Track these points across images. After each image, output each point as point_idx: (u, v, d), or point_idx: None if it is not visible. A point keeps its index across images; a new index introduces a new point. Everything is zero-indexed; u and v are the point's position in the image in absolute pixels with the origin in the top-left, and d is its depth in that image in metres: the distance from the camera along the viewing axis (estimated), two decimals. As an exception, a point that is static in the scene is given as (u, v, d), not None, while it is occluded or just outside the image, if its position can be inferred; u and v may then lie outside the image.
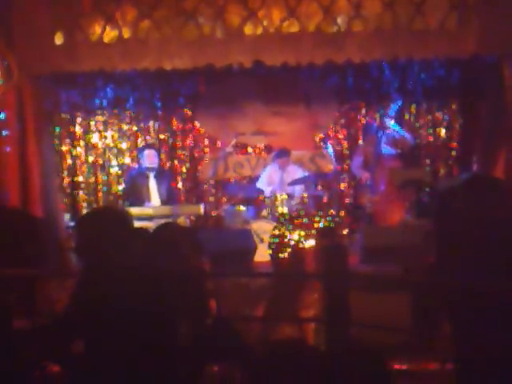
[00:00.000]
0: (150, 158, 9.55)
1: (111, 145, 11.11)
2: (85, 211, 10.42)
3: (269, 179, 10.30)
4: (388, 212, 9.15)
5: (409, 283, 4.02)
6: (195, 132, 11.24)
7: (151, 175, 9.53)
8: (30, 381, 3.68)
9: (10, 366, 3.55)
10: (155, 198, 9.48)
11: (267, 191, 9.93)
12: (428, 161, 10.95)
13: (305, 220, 9.00)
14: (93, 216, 3.87)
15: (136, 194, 9.48)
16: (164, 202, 9.43)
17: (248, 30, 8.36)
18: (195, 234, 4.73)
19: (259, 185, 10.29)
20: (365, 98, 11.05)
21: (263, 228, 9.40)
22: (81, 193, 11.06)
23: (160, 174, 9.65)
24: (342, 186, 11.06)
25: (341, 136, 11.17)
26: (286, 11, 8.30)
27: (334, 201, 10.62)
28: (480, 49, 8.17)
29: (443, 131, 10.96)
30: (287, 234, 8.88)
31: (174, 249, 4.14)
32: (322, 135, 11.15)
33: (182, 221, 9.10)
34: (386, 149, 9.50)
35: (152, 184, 9.52)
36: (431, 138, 10.96)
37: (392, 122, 9.56)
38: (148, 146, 10.33)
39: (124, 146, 11.12)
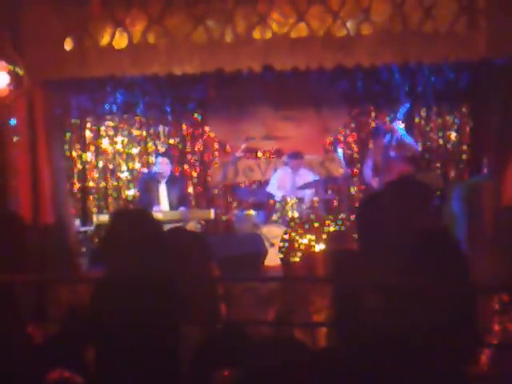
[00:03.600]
0: (162, 166, 9.60)
1: (121, 150, 11.16)
2: (95, 216, 10.43)
3: (280, 183, 10.31)
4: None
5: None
6: (205, 137, 11.27)
7: (162, 181, 9.58)
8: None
9: (24, 370, 3.56)
10: (164, 203, 9.51)
11: (278, 195, 9.94)
12: (438, 164, 10.94)
13: (315, 224, 8.99)
14: (127, 218, 3.81)
15: (146, 198, 9.52)
16: (173, 208, 9.46)
17: (257, 34, 8.36)
18: (204, 239, 4.73)
19: (269, 189, 10.30)
20: (375, 101, 11.06)
21: (273, 232, 9.40)
22: (91, 198, 11.10)
23: (171, 180, 9.69)
24: (352, 189, 11.05)
25: (351, 140, 11.18)
26: (295, 15, 8.30)
27: (344, 205, 10.61)
28: (490, 52, 8.14)
29: (453, 134, 10.95)
30: (297, 238, 8.87)
31: (183, 254, 4.14)
32: (331, 139, 11.15)
33: (193, 225, 9.12)
34: (396, 152, 9.49)
35: (162, 189, 9.56)
36: (441, 142, 10.95)
37: (400, 125, 9.53)
38: (162, 154, 10.36)
39: (134, 151, 11.17)
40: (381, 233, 3.58)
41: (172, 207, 9.50)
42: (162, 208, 9.43)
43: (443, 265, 3.38)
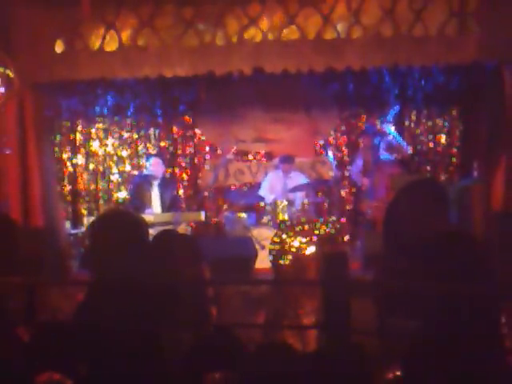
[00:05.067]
0: (155, 167, 9.59)
1: (112, 152, 11.13)
2: (86, 219, 10.42)
3: (271, 186, 10.30)
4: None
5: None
6: (196, 139, 11.26)
7: (155, 183, 9.56)
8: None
9: (13, 370, 3.56)
10: (156, 205, 9.50)
11: (269, 198, 9.93)
12: (428, 167, 10.96)
13: (306, 226, 8.99)
14: (109, 221, 3.81)
15: (138, 201, 9.51)
16: (165, 210, 9.45)
17: (248, 37, 8.37)
18: (194, 242, 4.73)
19: (261, 192, 10.29)
20: (365, 104, 11.06)
21: (264, 235, 9.40)
22: (81, 201, 11.07)
23: (163, 182, 9.67)
24: (343, 192, 11.06)
25: (341, 143, 11.18)
26: (285, 18, 8.31)
27: (334, 207, 10.64)
28: (480, 55, 8.17)
29: (443, 137, 10.96)
30: (288, 240, 8.87)
31: (173, 256, 4.15)
32: (322, 142, 11.16)
33: (183, 228, 9.11)
34: (385, 155, 9.50)
35: (155, 191, 9.55)
36: (431, 145, 10.97)
37: (390, 128, 9.53)
38: (155, 154, 10.33)
39: (124, 153, 11.15)
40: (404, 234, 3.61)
41: (164, 209, 9.49)
42: (154, 210, 9.42)
43: (467, 266, 3.39)
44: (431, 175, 10.75)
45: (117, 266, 3.54)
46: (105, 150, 11.13)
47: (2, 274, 3.89)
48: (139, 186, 9.64)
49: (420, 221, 3.63)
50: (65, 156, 11.02)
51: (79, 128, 11.06)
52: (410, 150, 10.11)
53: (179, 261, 4.16)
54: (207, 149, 11.27)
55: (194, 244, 4.56)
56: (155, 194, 9.57)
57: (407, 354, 3.53)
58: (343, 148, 11.17)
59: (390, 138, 9.50)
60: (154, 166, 9.61)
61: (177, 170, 11.21)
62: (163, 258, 4.08)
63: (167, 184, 9.79)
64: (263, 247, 9.21)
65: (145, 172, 9.90)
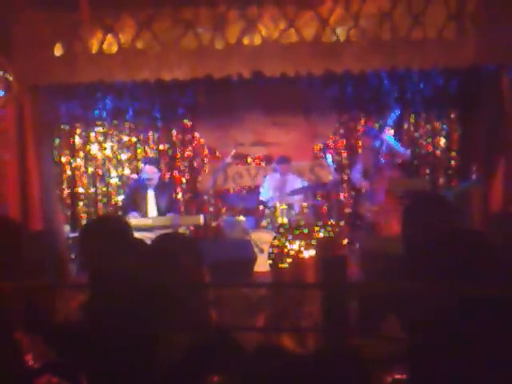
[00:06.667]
0: (149, 174, 9.54)
1: (111, 156, 11.12)
2: (84, 222, 10.44)
3: (270, 188, 10.31)
4: (388, 221, 9.14)
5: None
6: (195, 143, 11.25)
7: (150, 187, 9.53)
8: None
9: (12, 373, 3.56)
10: (152, 210, 9.47)
11: (270, 200, 9.94)
12: (427, 170, 10.96)
13: (305, 230, 9.00)
14: (95, 227, 3.85)
15: (134, 205, 9.49)
16: (162, 214, 9.43)
17: (247, 40, 8.38)
18: (195, 244, 4.73)
19: (263, 196, 10.29)
20: (364, 107, 11.06)
21: (263, 238, 9.40)
22: (81, 204, 11.06)
23: (159, 186, 9.63)
24: (342, 195, 11.06)
25: (340, 146, 11.18)
26: (284, 22, 8.32)
27: (333, 211, 10.64)
28: (479, 58, 8.18)
29: (442, 141, 10.96)
30: (287, 244, 8.87)
31: (174, 259, 4.14)
32: (321, 145, 11.16)
33: (182, 231, 9.10)
34: (386, 159, 9.49)
35: (150, 196, 9.53)
36: (430, 148, 10.97)
37: (389, 134, 9.50)
38: (149, 161, 10.22)
39: (123, 157, 11.13)
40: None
41: (160, 213, 9.47)
42: (151, 214, 9.41)
43: (481, 264, 3.39)
44: (430, 181, 10.75)
45: (108, 270, 3.55)
46: (104, 153, 11.11)
47: (7, 278, 3.89)
48: (134, 193, 9.62)
49: (425, 230, 3.71)
50: (64, 159, 11.01)
51: (78, 131, 11.04)
52: (408, 154, 10.09)
53: (181, 263, 4.16)
54: (206, 152, 11.27)
55: (195, 247, 4.56)
56: (151, 198, 9.55)
57: (416, 356, 3.53)
58: (342, 151, 11.17)
59: (388, 144, 9.49)
60: (148, 173, 9.55)
61: (176, 174, 11.20)
62: (164, 260, 4.08)
63: (163, 188, 9.75)
64: (262, 251, 9.21)
65: (141, 176, 9.87)
